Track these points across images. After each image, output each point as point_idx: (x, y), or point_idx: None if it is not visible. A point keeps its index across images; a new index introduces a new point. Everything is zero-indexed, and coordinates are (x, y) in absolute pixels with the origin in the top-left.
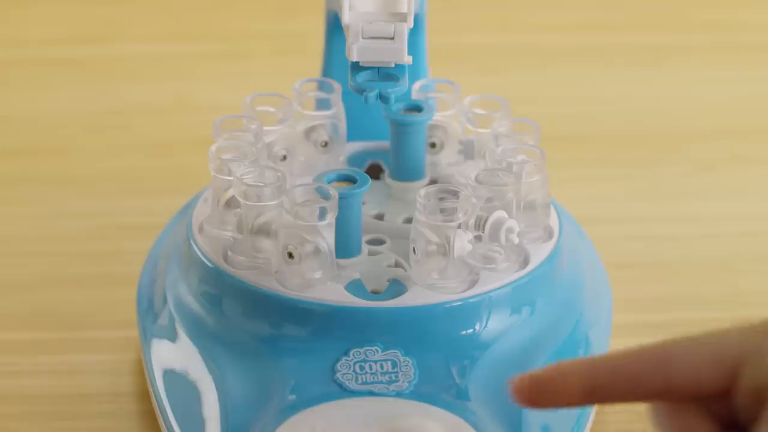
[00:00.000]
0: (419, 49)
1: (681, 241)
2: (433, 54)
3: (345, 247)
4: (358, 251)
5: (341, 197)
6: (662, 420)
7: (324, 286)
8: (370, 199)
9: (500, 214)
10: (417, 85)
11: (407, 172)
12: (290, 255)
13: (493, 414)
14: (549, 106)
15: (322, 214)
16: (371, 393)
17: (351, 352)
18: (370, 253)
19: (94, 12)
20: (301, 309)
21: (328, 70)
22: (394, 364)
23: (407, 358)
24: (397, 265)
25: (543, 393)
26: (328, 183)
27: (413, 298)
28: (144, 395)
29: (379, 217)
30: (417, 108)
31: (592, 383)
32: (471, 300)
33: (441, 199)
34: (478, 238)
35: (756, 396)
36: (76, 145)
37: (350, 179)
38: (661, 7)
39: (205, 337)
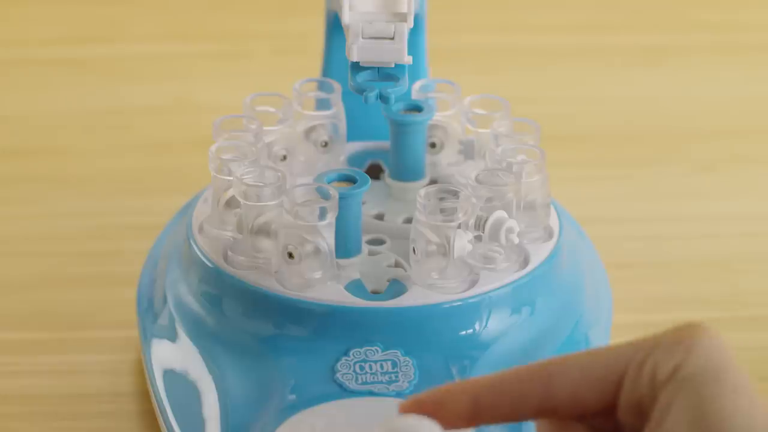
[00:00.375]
0: (419, 49)
1: (681, 241)
2: (433, 54)
3: (344, 247)
4: (358, 251)
5: (341, 197)
6: None
7: (324, 286)
8: (370, 199)
9: (500, 214)
10: (417, 85)
11: (407, 172)
12: (290, 255)
13: None
14: (549, 106)
15: (322, 214)
16: (371, 393)
17: (351, 352)
18: (370, 253)
19: (94, 12)
20: (301, 309)
21: (328, 70)
22: (394, 364)
23: (407, 358)
24: (397, 265)
25: (429, 415)
26: (329, 183)
27: (413, 298)
28: (144, 395)
29: (379, 217)
30: (417, 108)
31: (476, 403)
32: (471, 300)
33: (441, 199)
34: (478, 238)
35: (637, 409)
36: (76, 145)
37: (350, 179)
38: (661, 7)
39: (205, 337)
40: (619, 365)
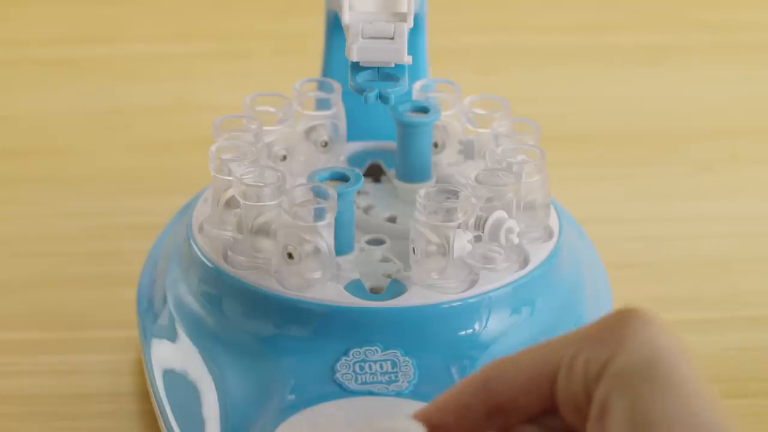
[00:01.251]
0: (419, 49)
1: (681, 241)
2: (433, 54)
3: (337, 245)
4: (350, 248)
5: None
6: None
7: (324, 286)
8: (378, 202)
9: (500, 214)
10: (417, 85)
11: (414, 173)
12: (290, 255)
13: None
14: (549, 106)
15: (322, 215)
16: (371, 393)
17: (351, 352)
18: (368, 252)
19: (94, 12)
20: (301, 309)
21: (328, 70)
22: (394, 364)
23: (407, 358)
24: (386, 260)
25: None
26: (321, 181)
27: (413, 298)
28: (144, 395)
29: (392, 219)
30: (423, 109)
31: (430, 426)
32: (471, 300)
33: (441, 199)
34: (477, 238)
35: (574, 407)
36: (76, 145)
37: (343, 178)
38: (661, 7)
39: (205, 337)
40: (550, 363)
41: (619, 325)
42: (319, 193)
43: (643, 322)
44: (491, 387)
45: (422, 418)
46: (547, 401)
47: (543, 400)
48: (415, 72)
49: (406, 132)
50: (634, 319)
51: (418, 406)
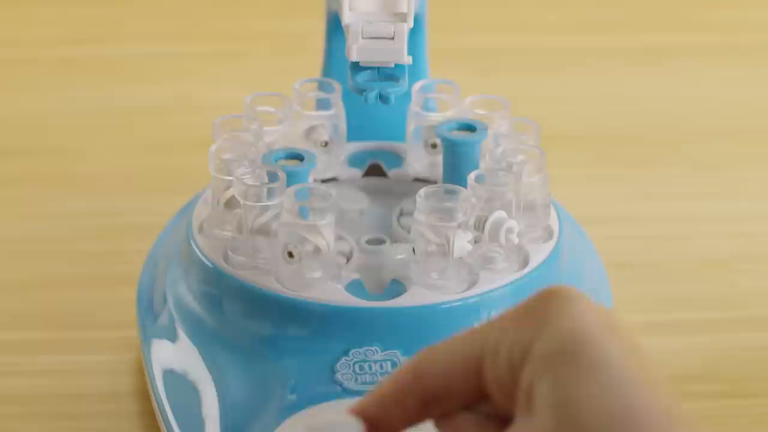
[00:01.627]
0: (419, 49)
1: (681, 241)
2: (433, 54)
3: None
4: None
5: (289, 175)
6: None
7: (324, 286)
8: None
9: (500, 214)
10: (417, 85)
11: None
12: (290, 254)
13: None
14: (549, 106)
15: (322, 214)
16: None
17: (351, 352)
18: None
19: (93, 12)
20: (301, 309)
21: (328, 70)
22: (394, 364)
23: (407, 358)
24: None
25: None
26: (276, 161)
27: (413, 298)
28: (144, 395)
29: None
30: (469, 127)
31: (371, 422)
32: (471, 300)
33: (441, 199)
34: (477, 239)
35: (503, 392)
36: (76, 145)
37: (297, 157)
38: (661, 7)
39: (205, 337)
40: (477, 349)
41: (542, 305)
42: (317, 193)
43: (567, 301)
44: (423, 376)
45: (359, 412)
46: (478, 388)
47: (474, 387)
48: (415, 72)
49: (452, 151)
50: (556, 299)
51: None
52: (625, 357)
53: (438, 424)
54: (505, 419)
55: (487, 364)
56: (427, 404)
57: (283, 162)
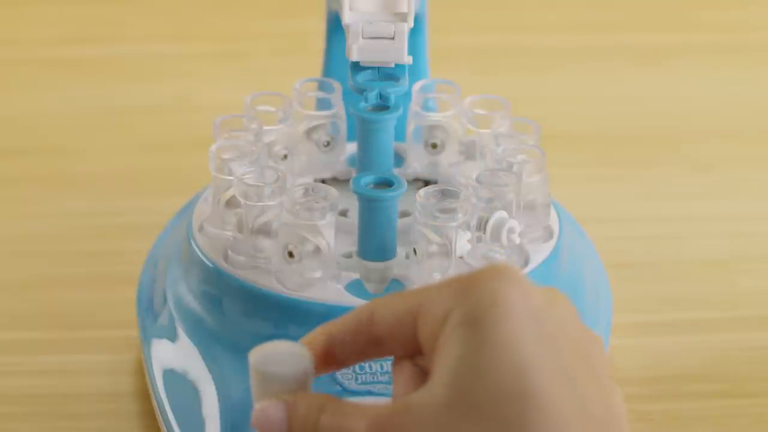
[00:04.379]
0: (419, 49)
1: (681, 241)
2: (433, 54)
3: (381, 250)
4: (393, 254)
5: (380, 200)
6: (392, 371)
7: (324, 285)
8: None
9: (501, 214)
10: (417, 85)
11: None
12: (290, 254)
13: None
14: (549, 106)
15: (323, 213)
16: (371, 393)
17: None
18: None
19: (93, 12)
20: (301, 309)
21: (328, 70)
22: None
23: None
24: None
25: None
26: (365, 186)
27: None
28: (144, 395)
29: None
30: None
31: (322, 351)
32: None
33: (441, 199)
34: (478, 239)
35: (428, 351)
36: (76, 145)
37: (387, 183)
38: (661, 7)
39: (205, 337)
40: (416, 305)
41: (478, 277)
42: (321, 192)
43: (502, 280)
44: (375, 323)
45: (310, 341)
46: (414, 341)
47: (410, 339)
48: (415, 72)
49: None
50: (494, 276)
51: None
52: (537, 344)
53: (395, 367)
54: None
55: (419, 322)
56: (376, 345)
57: (372, 187)
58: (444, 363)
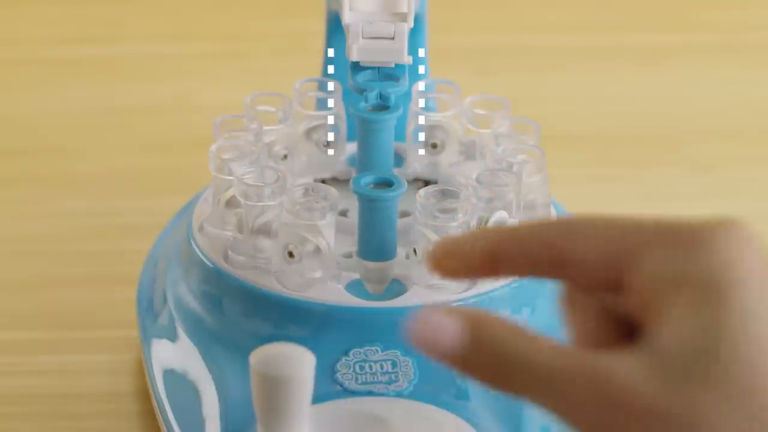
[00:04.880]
0: (419, 49)
1: None
2: (433, 54)
3: (381, 251)
4: (393, 254)
5: (380, 200)
6: (565, 302)
7: (324, 285)
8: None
9: (501, 214)
10: (417, 85)
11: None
12: (290, 254)
13: (493, 414)
14: (549, 106)
15: (323, 213)
16: (371, 393)
17: (351, 352)
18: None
19: (93, 12)
20: (301, 309)
21: (328, 70)
22: (394, 364)
23: (407, 358)
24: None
25: (450, 256)
26: (365, 186)
27: (413, 298)
28: (144, 395)
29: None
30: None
31: (495, 252)
32: (471, 300)
33: (441, 199)
34: None
35: (639, 301)
36: (76, 145)
37: (387, 183)
38: (661, 7)
39: (205, 337)
40: (621, 252)
41: (703, 232)
42: (321, 192)
43: (730, 234)
44: (568, 245)
45: (492, 238)
46: (611, 279)
47: (608, 277)
48: (415, 72)
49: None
50: (719, 228)
51: (417, 406)
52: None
53: (568, 295)
54: (624, 323)
55: (632, 269)
56: (559, 267)
57: (372, 187)
58: (674, 326)
